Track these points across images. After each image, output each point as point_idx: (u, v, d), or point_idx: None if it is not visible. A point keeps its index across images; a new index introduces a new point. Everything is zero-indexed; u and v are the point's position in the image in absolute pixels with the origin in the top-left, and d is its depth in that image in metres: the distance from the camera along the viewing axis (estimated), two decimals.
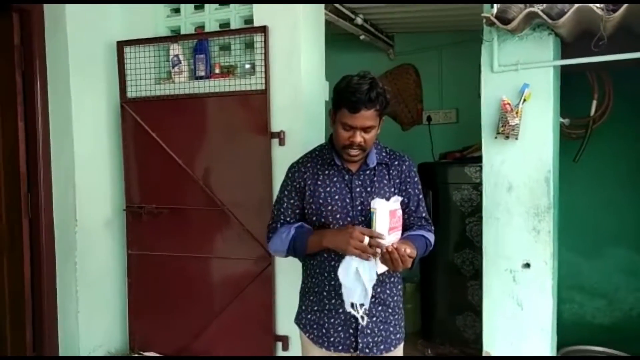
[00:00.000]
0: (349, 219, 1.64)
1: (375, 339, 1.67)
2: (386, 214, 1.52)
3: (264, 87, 2.51)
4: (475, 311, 3.05)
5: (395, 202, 1.59)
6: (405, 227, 1.70)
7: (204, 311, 2.72)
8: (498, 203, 2.12)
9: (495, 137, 2.10)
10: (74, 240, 2.65)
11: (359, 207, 1.64)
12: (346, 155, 1.64)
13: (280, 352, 2.52)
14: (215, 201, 2.63)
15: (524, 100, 2.04)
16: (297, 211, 1.72)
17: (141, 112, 2.76)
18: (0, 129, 2.76)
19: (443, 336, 3.30)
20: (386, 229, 1.52)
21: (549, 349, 2.07)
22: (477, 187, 2.97)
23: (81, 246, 2.68)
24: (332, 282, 1.64)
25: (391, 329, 1.70)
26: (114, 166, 2.86)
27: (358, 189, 1.66)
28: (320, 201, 1.66)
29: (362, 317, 1.59)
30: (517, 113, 2.02)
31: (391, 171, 1.71)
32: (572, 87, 2.43)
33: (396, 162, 1.72)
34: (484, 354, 2.18)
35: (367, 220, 1.61)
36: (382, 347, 1.67)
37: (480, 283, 2.23)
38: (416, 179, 1.75)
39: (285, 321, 2.50)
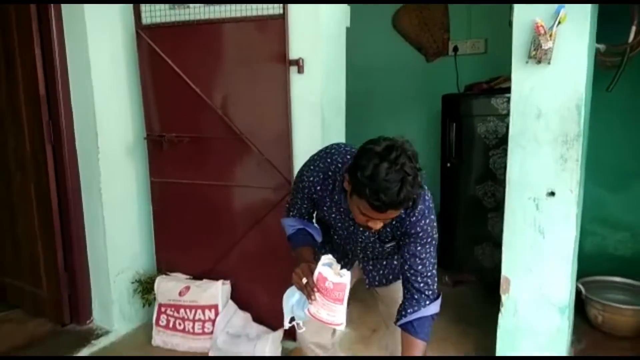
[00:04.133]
0: (349, 245, 1.68)
1: (381, 272, 1.74)
2: (316, 274, 1.47)
3: (281, 12, 2.40)
4: (494, 242, 3.06)
5: (341, 276, 1.46)
6: (404, 279, 1.56)
7: (226, 237, 2.79)
8: (525, 131, 2.05)
9: (527, 62, 1.98)
10: (97, 167, 2.69)
11: (360, 239, 1.63)
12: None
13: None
14: (233, 130, 2.61)
15: (559, 22, 1.89)
16: (311, 210, 1.74)
17: (157, 39, 2.69)
18: (19, 56, 2.75)
19: (461, 265, 3.35)
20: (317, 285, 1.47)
21: (569, 277, 2.07)
22: (504, 118, 2.87)
23: (105, 173, 2.72)
24: (339, 242, 1.73)
25: (395, 262, 1.74)
26: (132, 94, 2.84)
27: (361, 228, 1.55)
28: (325, 221, 1.69)
29: (301, 329, 1.61)
30: (550, 36, 1.89)
31: (394, 222, 1.50)
32: (609, 13, 2.26)
33: (403, 215, 1.47)
34: (502, 280, 2.20)
35: (364, 249, 1.66)
36: (390, 277, 1.73)
37: (501, 214, 2.21)
38: (422, 234, 1.48)
39: None
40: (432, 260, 1.51)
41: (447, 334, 2.80)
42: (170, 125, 2.77)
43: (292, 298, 1.57)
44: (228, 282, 2.80)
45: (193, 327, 2.73)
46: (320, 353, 1.90)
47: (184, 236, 2.92)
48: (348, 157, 1.51)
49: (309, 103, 2.44)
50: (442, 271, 3.45)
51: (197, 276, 2.89)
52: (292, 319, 1.58)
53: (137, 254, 2.98)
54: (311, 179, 1.58)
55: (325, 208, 1.61)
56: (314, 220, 1.80)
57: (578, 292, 2.69)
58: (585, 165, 2.21)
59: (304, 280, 1.46)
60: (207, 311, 2.72)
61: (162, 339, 2.77)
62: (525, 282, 2.16)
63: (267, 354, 2.48)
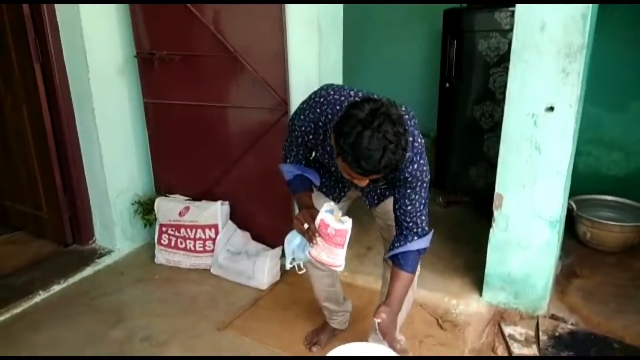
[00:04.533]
0: (346, 183, 1.70)
1: (378, 191, 1.76)
2: (318, 220, 1.54)
3: None
4: (489, 162, 3.08)
5: (342, 222, 1.52)
6: (395, 217, 1.61)
7: (224, 158, 2.80)
8: (528, 44, 1.99)
9: None
10: (89, 86, 2.63)
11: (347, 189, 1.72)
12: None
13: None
14: (227, 47, 2.52)
15: None
16: (308, 154, 1.75)
17: None
18: None
19: (455, 186, 3.41)
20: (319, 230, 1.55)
21: (562, 192, 2.11)
22: (506, 34, 2.78)
23: (96, 93, 2.66)
24: (336, 178, 1.77)
25: (387, 193, 1.76)
26: (120, 9, 2.71)
27: None
28: (319, 159, 1.69)
29: (301, 270, 1.72)
30: None
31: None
32: None
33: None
34: (495, 197, 2.24)
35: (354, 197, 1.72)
36: (387, 193, 1.75)
37: (498, 135, 2.21)
38: (410, 179, 1.49)
39: None
40: (422, 201, 1.55)
41: (438, 251, 2.89)
42: (161, 43, 2.68)
43: (293, 241, 1.66)
44: (227, 203, 2.84)
45: (194, 246, 2.80)
46: (322, 266, 1.95)
47: (181, 158, 2.92)
48: (337, 108, 1.48)
49: (304, 18, 2.34)
50: (436, 192, 3.53)
51: (196, 197, 2.92)
52: (293, 260, 1.69)
53: (135, 176, 3.00)
54: (302, 128, 1.58)
55: (319, 153, 1.65)
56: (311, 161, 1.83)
57: (569, 210, 2.76)
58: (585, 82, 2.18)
59: (306, 226, 1.56)
60: (207, 230, 2.78)
61: (164, 257, 2.85)
62: (518, 198, 2.20)
63: (266, 270, 2.57)
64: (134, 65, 2.80)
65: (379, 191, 1.78)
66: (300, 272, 1.75)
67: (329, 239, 1.54)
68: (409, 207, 1.54)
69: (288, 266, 1.71)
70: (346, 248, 1.56)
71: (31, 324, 2.33)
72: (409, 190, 1.52)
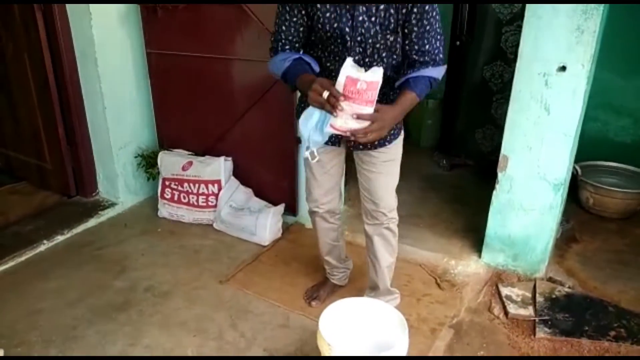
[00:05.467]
0: (346, 50, 1.53)
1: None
2: (342, 78, 1.36)
3: None
4: (496, 124, 3.05)
5: (372, 72, 1.36)
6: (407, 62, 1.57)
7: (227, 113, 2.77)
8: None
9: None
10: (91, 34, 2.57)
11: (359, 38, 1.51)
12: None
13: (301, 153, 2.61)
14: None
15: None
16: (301, 29, 1.57)
17: None
18: None
19: (460, 149, 3.38)
20: (344, 92, 1.37)
21: (568, 155, 2.09)
22: None
23: (99, 42, 2.61)
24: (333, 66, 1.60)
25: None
26: None
27: (361, 18, 1.48)
28: (320, 26, 1.53)
29: (315, 158, 1.55)
30: None
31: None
32: None
33: None
34: (500, 159, 2.22)
35: (364, 54, 1.52)
36: (376, 143, 1.69)
37: (507, 97, 2.16)
38: (427, 7, 1.47)
39: None
40: (439, 32, 1.53)
41: (439, 212, 2.91)
42: None
43: (309, 121, 1.46)
44: (230, 159, 2.83)
45: (197, 200, 2.82)
46: (330, 218, 1.97)
47: (184, 112, 2.89)
48: None
49: None
50: (440, 155, 3.50)
51: (199, 153, 2.91)
52: (309, 148, 1.50)
53: (138, 129, 2.98)
54: None
55: (319, 6, 1.50)
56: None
57: (573, 175, 2.74)
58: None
59: (325, 94, 1.37)
60: (210, 186, 2.78)
61: (167, 211, 2.87)
62: (523, 160, 2.18)
63: (268, 226, 2.59)
64: (137, 14, 2.73)
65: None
66: (315, 160, 1.57)
67: (359, 97, 1.36)
68: (427, 47, 1.52)
69: (306, 154, 1.51)
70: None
71: (38, 272, 2.37)
72: (425, 23, 1.48)
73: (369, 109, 1.39)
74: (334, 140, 1.72)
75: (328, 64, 1.61)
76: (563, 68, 1.96)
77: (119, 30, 2.72)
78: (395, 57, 1.58)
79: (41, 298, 2.18)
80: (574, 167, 2.65)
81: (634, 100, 3.08)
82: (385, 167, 1.77)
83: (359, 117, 1.39)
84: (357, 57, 1.53)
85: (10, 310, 2.11)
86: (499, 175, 2.25)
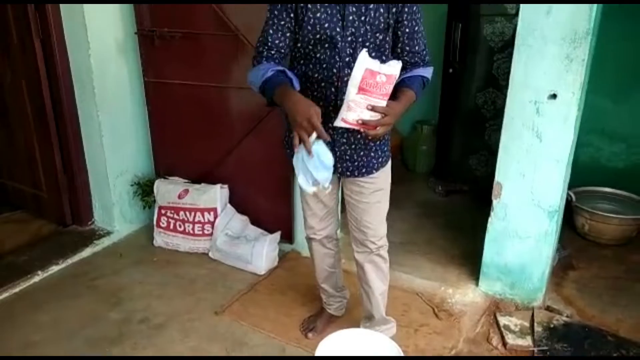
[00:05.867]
0: (336, 53, 1.53)
1: (355, 163, 1.67)
2: (361, 70, 1.34)
3: None
4: (489, 150, 3.07)
5: (390, 66, 1.37)
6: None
7: (224, 141, 2.78)
8: (534, 29, 1.96)
9: None
10: (89, 63, 2.60)
11: (349, 38, 1.51)
12: None
13: (297, 180, 2.61)
14: (229, 26, 2.49)
15: None
16: (288, 34, 1.56)
17: None
18: None
19: (455, 175, 3.39)
20: (356, 86, 1.36)
21: (562, 182, 2.10)
22: (512, 19, 2.74)
23: (97, 71, 2.64)
24: (320, 77, 1.58)
25: (372, 154, 1.68)
26: None
27: (351, 17, 1.49)
28: (309, 27, 1.51)
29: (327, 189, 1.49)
30: None
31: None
32: None
33: None
34: (495, 185, 2.23)
35: (354, 55, 1.49)
36: (363, 170, 1.69)
37: (500, 122, 2.18)
38: (415, 8, 1.55)
39: None
40: (424, 34, 1.61)
41: (436, 239, 2.90)
42: (162, 20, 2.65)
43: (307, 163, 1.40)
44: (226, 187, 2.83)
45: (193, 229, 2.81)
46: (327, 244, 1.96)
47: (181, 140, 2.91)
48: None
49: None
50: (436, 180, 3.52)
51: (195, 180, 2.92)
52: (315, 182, 1.44)
53: (135, 157, 2.99)
54: None
55: (309, 6, 1.50)
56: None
57: (568, 201, 2.75)
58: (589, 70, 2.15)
59: (313, 137, 1.36)
60: (206, 214, 2.78)
61: (163, 240, 2.86)
62: (517, 187, 2.18)
63: (264, 255, 2.58)
64: (134, 43, 2.77)
65: (355, 155, 1.66)
66: (326, 192, 1.54)
67: (377, 90, 1.36)
68: (416, 47, 1.60)
69: (312, 190, 1.46)
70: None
71: (32, 303, 2.34)
72: (414, 24, 1.55)
73: (384, 102, 1.40)
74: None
75: (316, 75, 1.58)
76: (554, 96, 1.99)
77: (116, 59, 2.76)
78: (384, 58, 1.56)
79: (35, 330, 2.15)
80: (568, 194, 2.66)
81: (626, 125, 3.12)
82: (375, 197, 1.76)
83: (374, 109, 1.39)
84: (347, 59, 1.53)
85: (3, 342, 2.07)
86: (494, 202, 2.26)
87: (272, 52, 1.58)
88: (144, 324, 2.21)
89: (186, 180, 2.94)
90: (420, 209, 3.25)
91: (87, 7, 2.52)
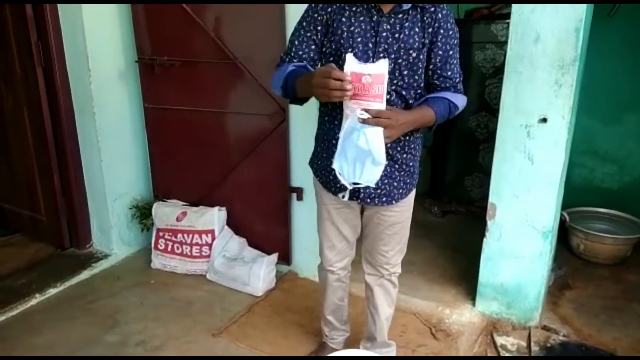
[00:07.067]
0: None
1: (378, 191, 1.63)
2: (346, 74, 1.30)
3: None
4: (484, 172, 3.12)
5: (376, 65, 1.32)
6: (428, 88, 1.58)
7: (221, 164, 2.82)
8: (522, 56, 2.03)
9: None
10: (90, 90, 2.66)
11: (382, 55, 1.48)
12: None
13: (295, 203, 2.65)
14: (227, 54, 2.56)
15: None
16: (313, 47, 1.56)
17: None
18: None
19: (450, 196, 3.43)
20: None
21: (554, 203, 2.14)
22: (502, 46, 2.84)
23: (97, 97, 2.69)
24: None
25: (395, 184, 1.65)
26: (122, 15, 2.75)
27: (385, 34, 1.49)
28: (342, 41, 1.50)
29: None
30: None
31: (425, 18, 1.49)
32: None
33: (432, 9, 1.49)
34: (489, 207, 2.27)
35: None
36: (384, 199, 1.65)
37: (493, 145, 2.23)
38: (451, 32, 1.52)
39: (300, 174, 2.58)
40: (453, 62, 1.56)
41: (433, 260, 2.92)
42: (162, 48, 2.72)
43: (351, 149, 1.34)
44: (224, 209, 2.86)
45: (191, 251, 2.82)
46: (342, 277, 1.93)
47: (180, 163, 2.95)
48: None
49: None
50: (432, 201, 3.55)
51: (193, 203, 2.94)
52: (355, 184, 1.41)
53: (133, 180, 3.02)
54: (321, 5, 1.52)
55: (343, 20, 1.49)
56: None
57: (562, 221, 2.79)
58: (579, 95, 2.21)
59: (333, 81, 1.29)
60: (204, 236, 2.80)
61: (161, 262, 2.87)
62: (511, 208, 2.22)
63: (262, 276, 2.59)
64: (135, 70, 2.84)
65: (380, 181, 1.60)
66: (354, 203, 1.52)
67: (365, 92, 1.30)
68: (449, 73, 1.54)
69: (350, 185, 1.43)
70: (385, 100, 1.33)
71: (28, 326, 2.34)
72: (449, 48, 1.51)
73: (378, 105, 1.32)
74: (353, 191, 1.63)
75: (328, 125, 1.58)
76: (544, 120, 2.04)
77: (117, 86, 2.82)
78: (416, 77, 1.54)
79: (31, 353, 2.14)
80: (562, 214, 2.69)
81: (618, 147, 3.18)
82: (394, 229, 1.73)
83: (368, 112, 1.32)
84: None
85: None
86: (489, 223, 2.29)
87: (295, 59, 1.58)
88: (141, 346, 2.20)
89: (184, 203, 2.96)
90: (417, 230, 3.22)
91: (89, 36, 2.59)
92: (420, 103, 1.54)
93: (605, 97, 3.09)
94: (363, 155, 1.36)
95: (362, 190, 1.63)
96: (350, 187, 1.46)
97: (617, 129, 3.15)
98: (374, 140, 1.33)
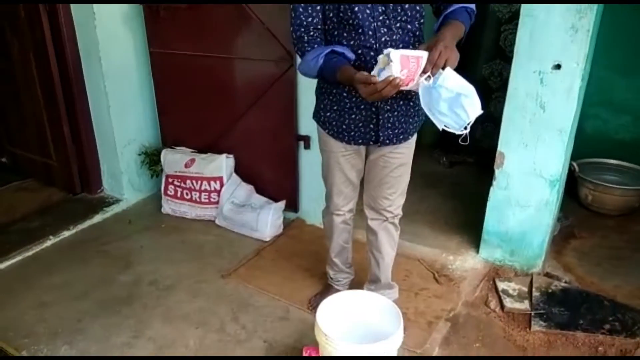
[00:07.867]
0: (369, 15, 1.51)
1: (396, 131, 1.68)
2: (397, 59, 1.28)
3: None
4: (495, 122, 3.05)
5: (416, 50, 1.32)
6: (437, 11, 1.57)
7: (229, 112, 2.81)
8: None
9: None
10: (95, 35, 2.63)
11: (390, 20, 1.50)
12: None
13: (302, 151, 2.65)
14: None
15: None
16: (318, 7, 1.55)
17: None
18: None
19: (459, 146, 3.38)
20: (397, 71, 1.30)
21: (563, 152, 2.11)
22: None
23: (103, 41, 2.66)
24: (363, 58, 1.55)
25: (410, 119, 1.70)
26: None
27: None
28: (346, 22, 1.51)
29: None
30: None
31: None
32: None
33: None
34: (497, 155, 2.25)
35: (389, 18, 1.49)
36: (401, 137, 1.70)
37: (505, 93, 2.19)
38: None
39: (307, 122, 2.54)
40: None
41: (438, 209, 2.94)
42: None
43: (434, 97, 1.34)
44: (232, 156, 2.87)
45: (200, 197, 2.86)
46: (348, 219, 1.97)
47: (187, 110, 2.94)
48: None
49: None
50: (440, 152, 3.53)
51: (202, 150, 2.96)
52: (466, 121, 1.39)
53: (142, 127, 3.03)
54: None
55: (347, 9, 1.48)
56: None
57: (571, 172, 2.76)
58: (596, 44, 2.13)
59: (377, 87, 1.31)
60: (212, 182, 2.83)
61: (170, 208, 2.92)
62: (519, 157, 2.20)
63: (269, 222, 2.63)
64: (140, 14, 2.78)
65: (397, 122, 1.66)
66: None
67: (415, 68, 1.30)
68: None
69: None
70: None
71: (44, 266, 2.43)
72: None
73: (425, 58, 1.31)
74: (370, 135, 1.68)
75: (351, 42, 1.55)
76: (558, 66, 1.99)
77: (122, 29, 2.77)
78: (418, 8, 1.55)
79: (48, 291, 2.24)
80: (571, 164, 2.67)
81: (634, 98, 3.10)
82: (398, 171, 1.79)
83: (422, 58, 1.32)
84: (381, 17, 1.51)
85: (17, 302, 2.17)
86: (496, 171, 2.29)
87: (311, 33, 1.57)
88: (153, 285, 2.28)
89: (192, 150, 2.98)
90: (424, 180, 3.27)
91: None
92: (442, 21, 1.51)
93: (623, 48, 2.98)
94: (455, 100, 1.35)
95: (381, 134, 1.67)
96: (465, 132, 1.43)
97: (634, 80, 3.05)
98: (451, 83, 1.32)
